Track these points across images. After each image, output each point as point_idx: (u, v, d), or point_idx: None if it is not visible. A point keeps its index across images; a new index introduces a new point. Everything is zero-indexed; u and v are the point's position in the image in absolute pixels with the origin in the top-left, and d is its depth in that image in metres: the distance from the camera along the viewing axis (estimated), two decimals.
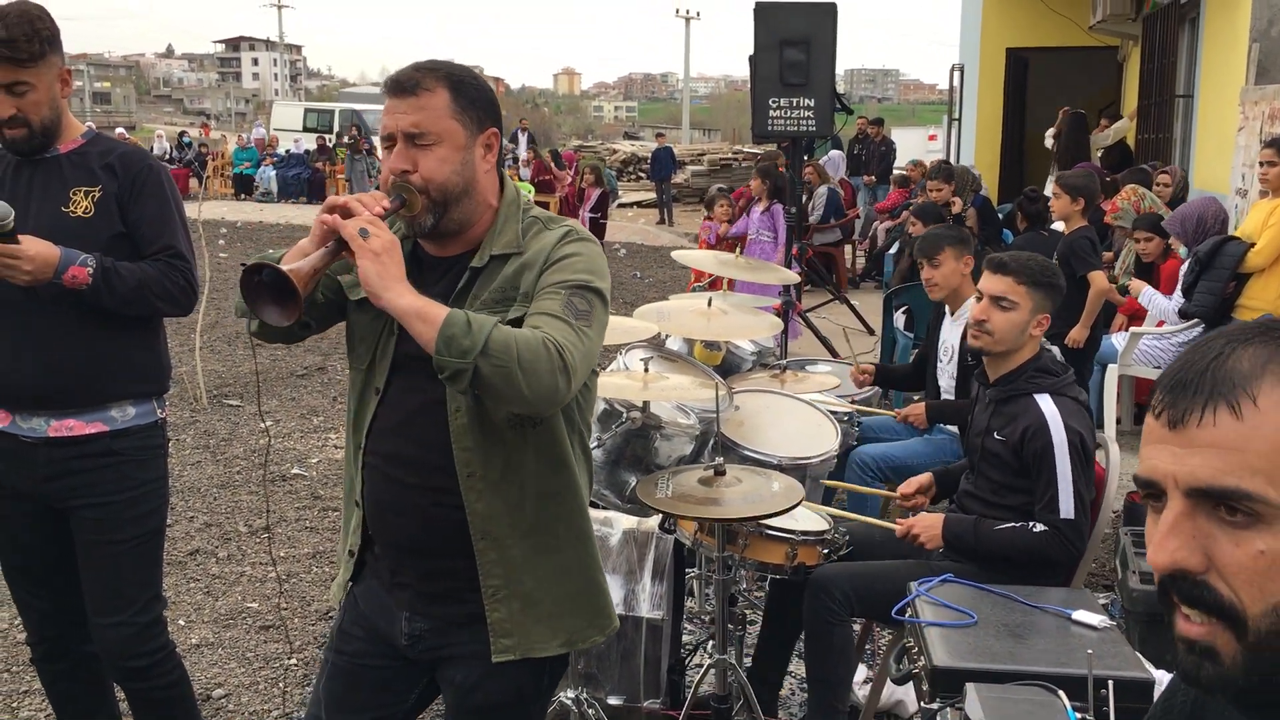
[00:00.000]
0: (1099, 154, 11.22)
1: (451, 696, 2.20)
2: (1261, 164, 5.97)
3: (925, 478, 3.59)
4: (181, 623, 4.40)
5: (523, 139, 23.54)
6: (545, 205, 18.91)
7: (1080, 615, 2.61)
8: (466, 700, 2.18)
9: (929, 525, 3.27)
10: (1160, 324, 6.48)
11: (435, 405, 2.05)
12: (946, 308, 4.72)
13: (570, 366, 1.89)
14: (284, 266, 1.84)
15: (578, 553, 2.17)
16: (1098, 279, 5.95)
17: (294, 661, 4.14)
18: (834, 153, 15.53)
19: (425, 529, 2.11)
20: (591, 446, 3.40)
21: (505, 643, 2.10)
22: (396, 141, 2.01)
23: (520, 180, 20.06)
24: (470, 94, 2.04)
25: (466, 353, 1.83)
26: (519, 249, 2.07)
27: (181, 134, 28.47)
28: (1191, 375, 0.96)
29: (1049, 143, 11.48)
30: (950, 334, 4.64)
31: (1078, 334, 5.96)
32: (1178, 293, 6.34)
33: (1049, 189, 10.80)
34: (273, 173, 24.84)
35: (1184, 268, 6.31)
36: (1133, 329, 6.58)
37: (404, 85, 2.00)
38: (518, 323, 1.98)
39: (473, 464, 2.05)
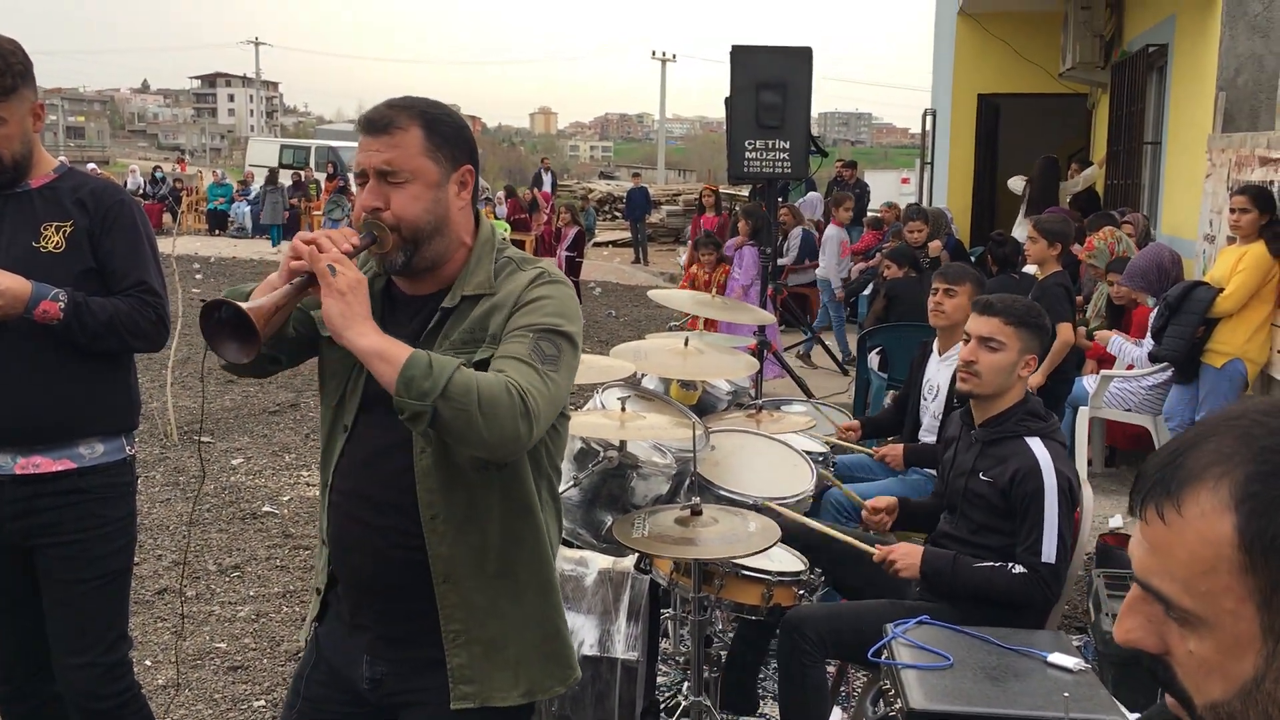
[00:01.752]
0: (1068, 200, 11.34)
1: None
2: (1233, 210, 6.05)
3: (891, 500, 3.65)
4: (148, 663, 4.33)
5: (546, 179, 23.45)
6: (521, 244, 18.95)
7: (1056, 658, 2.61)
8: None
9: (907, 554, 3.27)
10: (1130, 366, 6.54)
11: (401, 445, 2.02)
12: (935, 346, 4.75)
13: (533, 412, 1.87)
14: (244, 304, 1.84)
15: (541, 601, 2.12)
16: (1064, 330, 5.99)
17: (262, 703, 4.07)
18: (811, 194, 15.66)
19: (385, 569, 2.08)
20: (567, 486, 3.40)
21: (465, 689, 2.05)
22: (370, 178, 2.01)
23: (496, 219, 20.09)
24: (444, 131, 2.03)
25: (426, 395, 1.81)
26: (491, 290, 2.05)
27: (155, 169, 28.39)
28: (1152, 467, 0.97)
29: (1015, 187, 11.59)
30: (937, 373, 4.67)
31: (1035, 380, 5.99)
32: (1148, 338, 6.40)
33: (1015, 232, 10.93)
34: (247, 208, 24.80)
35: (1154, 312, 6.38)
36: (1103, 372, 6.63)
37: (377, 123, 2.00)
38: (484, 365, 1.96)
39: (436, 505, 2.02)
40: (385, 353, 1.85)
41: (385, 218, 1.99)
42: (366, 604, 2.12)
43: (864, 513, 3.67)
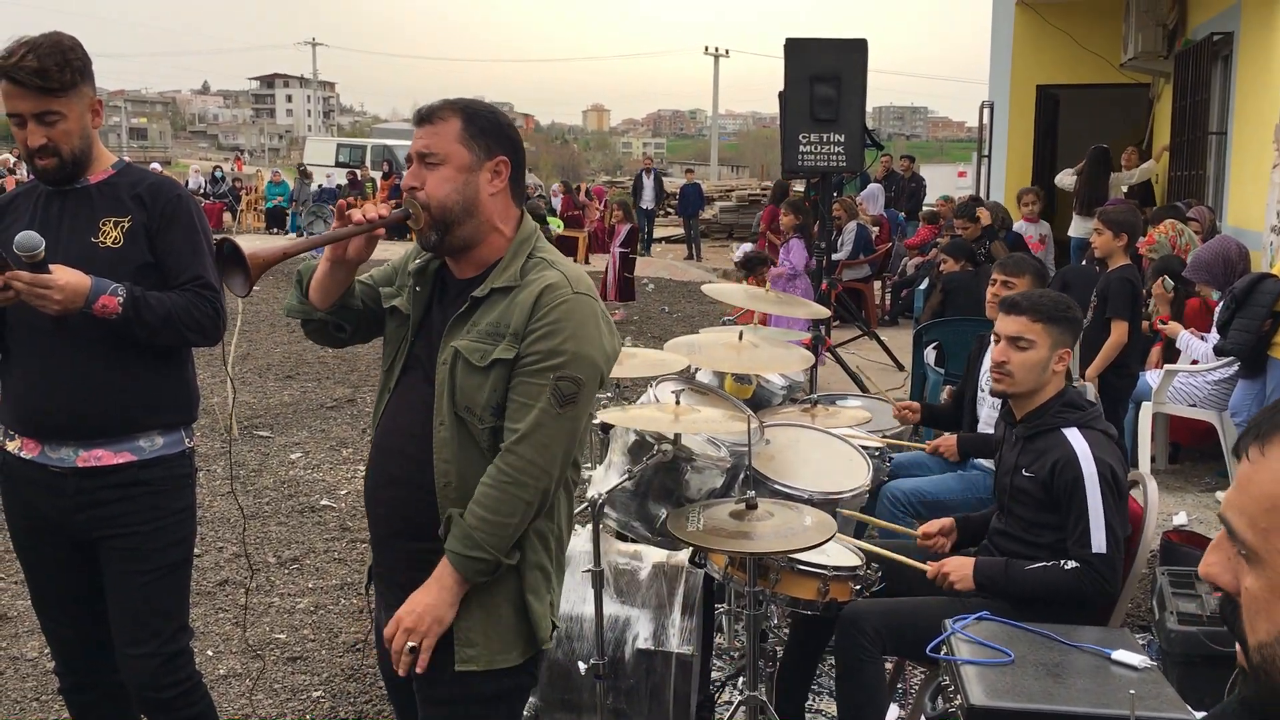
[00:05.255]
0: (1122, 192, 11.11)
1: (419, 693, 2.30)
2: None
3: (948, 521, 3.54)
4: (209, 653, 4.39)
5: (649, 180, 22.46)
6: (574, 240, 18.98)
7: (1120, 655, 2.56)
8: (428, 698, 2.27)
9: (960, 566, 3.22)
10: (1194, 361, 6.40)
11: (425, 410, 2.20)
12: (992, 338, 4.68)
13: (550, 463, 2.13)
14: (244, 245, 2.13)
15: (517, 573, 2.22)
16: (1119, 329, 5.87)
17: (320, 693, 4.11)
18: (873, 186, 15.54)
19: (402, 523, 2.25)
20: (621, 479, 3.39)
21: (469, 652, 2.20)
22: (414, 162, 2.25)
23: (552, 213, 20.13)
24: (481, 124, 2.24)
25: (496, 566, 2.12)
26: (517, 282, 2.21)
27: (215, 168, 28.83)
28: (1261, 415, 1.03)
29: (1064, 183, 11.36)
30: None
31: (1090, 373, 5.88)
32: (1213, 332, 6.25)
33: (1073, 229, 10.73)
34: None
35: (1219, 306, 6.23)
36: (1167, 366, 6.49)
37: (424, 114, 2.26)
38: (504, 364, 2.15)
39: (450, 475, 2.18)
40: (451, 591, 2.13)
41: (420, 196, 2.21)
42: (387, 551, 2.32)
43: (919, 539, 3.55)
